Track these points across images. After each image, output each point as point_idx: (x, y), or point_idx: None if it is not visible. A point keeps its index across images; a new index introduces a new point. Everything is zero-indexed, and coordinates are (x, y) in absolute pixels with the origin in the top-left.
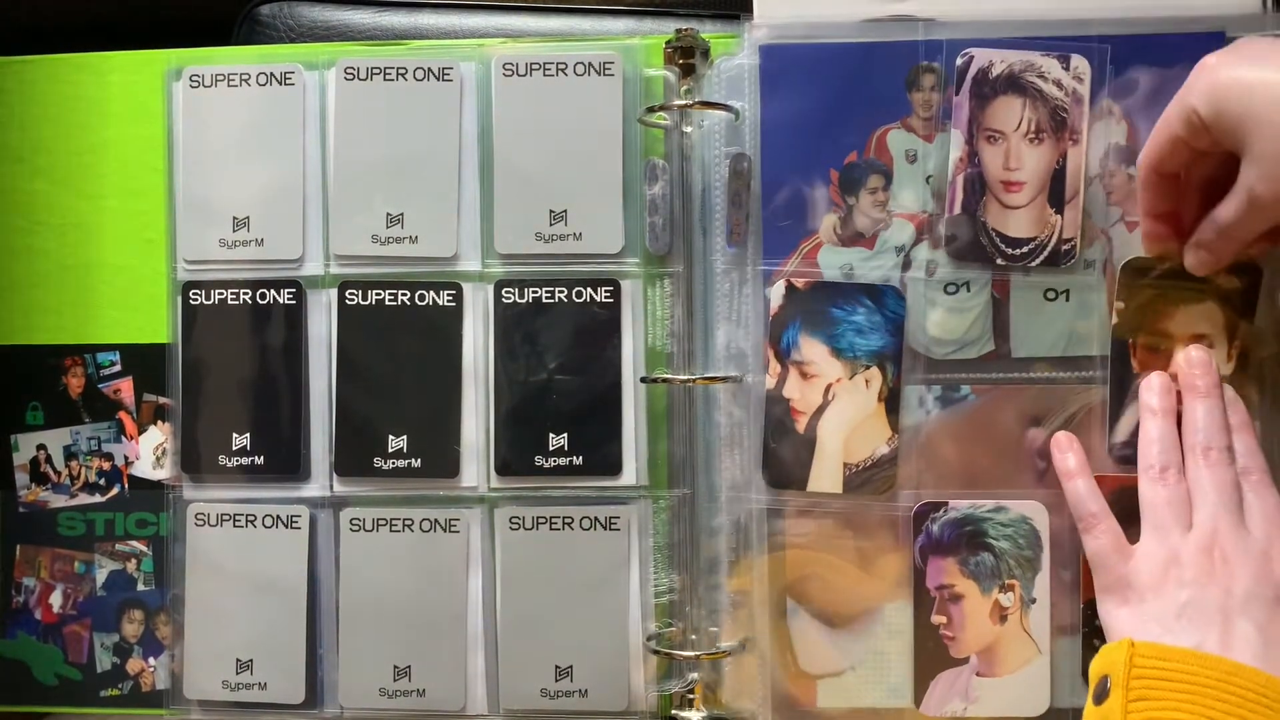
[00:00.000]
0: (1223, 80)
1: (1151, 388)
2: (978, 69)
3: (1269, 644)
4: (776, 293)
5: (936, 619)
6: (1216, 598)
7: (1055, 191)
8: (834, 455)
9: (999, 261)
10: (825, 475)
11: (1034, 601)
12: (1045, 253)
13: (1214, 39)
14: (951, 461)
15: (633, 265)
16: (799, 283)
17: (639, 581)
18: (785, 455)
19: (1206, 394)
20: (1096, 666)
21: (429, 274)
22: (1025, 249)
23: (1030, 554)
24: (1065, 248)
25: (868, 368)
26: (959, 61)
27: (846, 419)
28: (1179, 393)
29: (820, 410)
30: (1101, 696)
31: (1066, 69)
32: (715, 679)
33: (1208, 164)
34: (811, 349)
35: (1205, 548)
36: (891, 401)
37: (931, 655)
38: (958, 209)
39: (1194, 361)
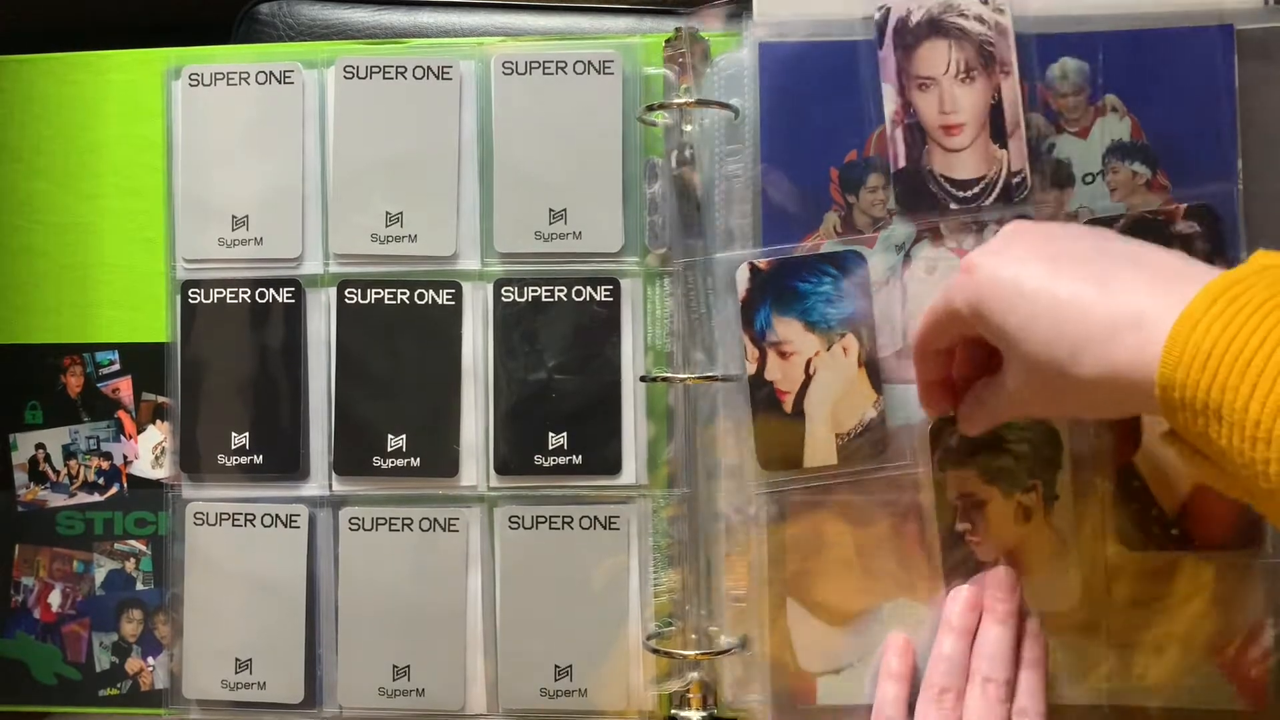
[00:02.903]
0: (985, 286)
1: (957, 600)
2: (896, 19)
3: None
4: (741, 276)
5: (961, 526)
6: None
7: (996, 127)
8: (824, 428)
9: (952, 206)
10: (818, 450)
11: (1056, 498)
12: (996, 189)
13: (1221, 32)
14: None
15: (632, 264)
16: (761, 263)
17: (639, 581)
18: (777, 437)
19: (1002, 620)
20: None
21: (428, 273)
22: (975, 190)
23: (1049, 453)
24: (1015, 180)
25: (843, 335)
26: (876, 15)
27: (831, 391)
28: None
29: (804, 387)
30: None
31: (985, 2)
32: (715, 678)
33: (979, 340)
34: (785, 327)
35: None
36: (871, 365)
37: (958, 561)
38: (903, 162)
39: (997, 583)
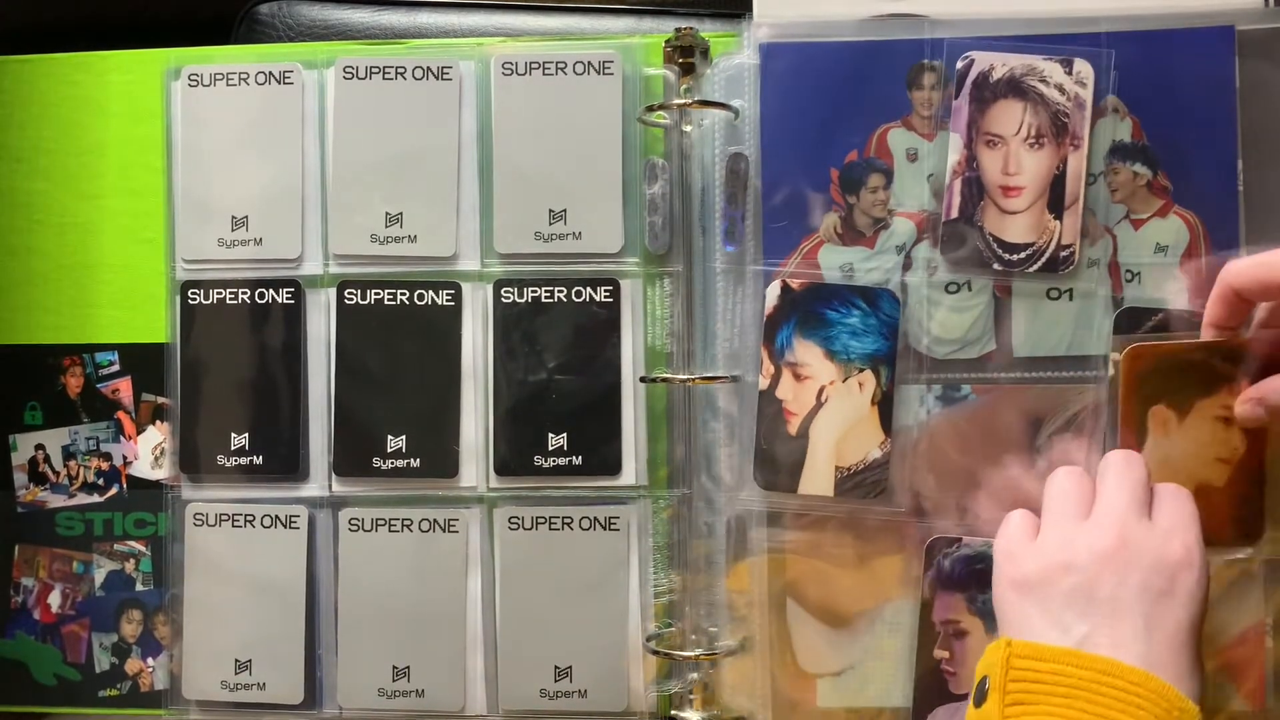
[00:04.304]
0: None
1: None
2: (978, 72)
3: (1153, 637)
4: (772, 293)
5: (939, 653)
6: (1108, 588)
7: (1055, 197)
8: (826, 458)
9: (996, 267)
10: (817, 478)
11: None
12: (1043, 259)
13: (1221, 33)
14: (947, 464)
15: (632, 265)
16: (794, 283)
17: (639, 581)
18: (777, 457)
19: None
20: (978, 667)
21: (428, 273)
22: (1023, 254)
23: None
24: (1064, 254)
25: (861, 370)
26: (959, 65)
27: (839, 422)
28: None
29: (813, 412)
30: (981, 699)
31: (1069, 73)
32: (715, 679)
33: None
34: (805, 350)
35: (1102, 536)
36: (885, 405)
37: (931, 688)
38: (955, 214)
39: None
